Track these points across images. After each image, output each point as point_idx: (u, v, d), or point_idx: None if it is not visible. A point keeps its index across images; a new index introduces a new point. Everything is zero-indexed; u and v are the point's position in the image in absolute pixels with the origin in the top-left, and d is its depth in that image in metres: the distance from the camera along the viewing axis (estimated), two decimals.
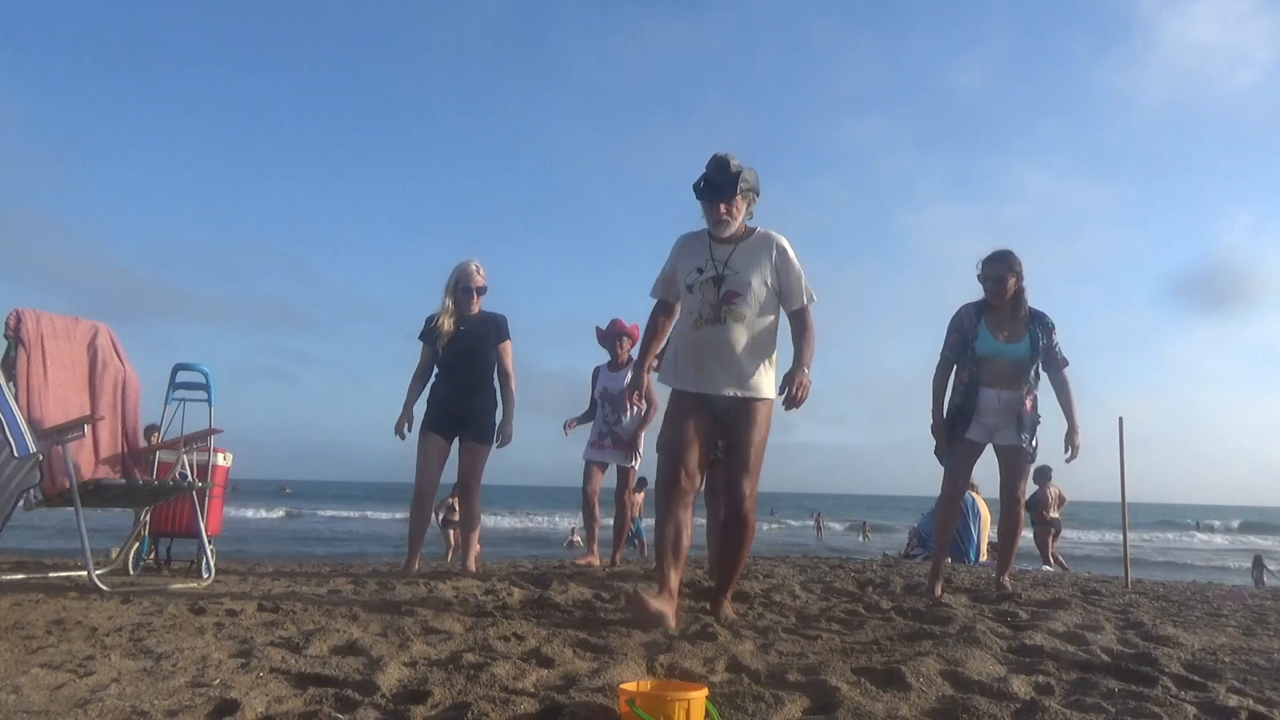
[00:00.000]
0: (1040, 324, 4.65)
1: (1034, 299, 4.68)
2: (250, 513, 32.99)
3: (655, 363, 4.34)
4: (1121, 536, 6.44)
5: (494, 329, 5.29)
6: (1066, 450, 4.67)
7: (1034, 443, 4.64)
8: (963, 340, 4.65)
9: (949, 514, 4.81)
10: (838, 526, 34.37)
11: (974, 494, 9.23)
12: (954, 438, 4.67)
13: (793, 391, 3.46)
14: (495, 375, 5.30)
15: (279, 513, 35.56)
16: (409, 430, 5.22)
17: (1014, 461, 4.66)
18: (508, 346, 5.32)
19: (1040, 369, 4.67)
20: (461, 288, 5.23)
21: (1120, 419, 6.06)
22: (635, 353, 6.06)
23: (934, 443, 4.77)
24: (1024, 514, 4.81)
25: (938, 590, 4.57)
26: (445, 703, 2.10)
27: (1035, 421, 4.65)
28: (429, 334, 5.28)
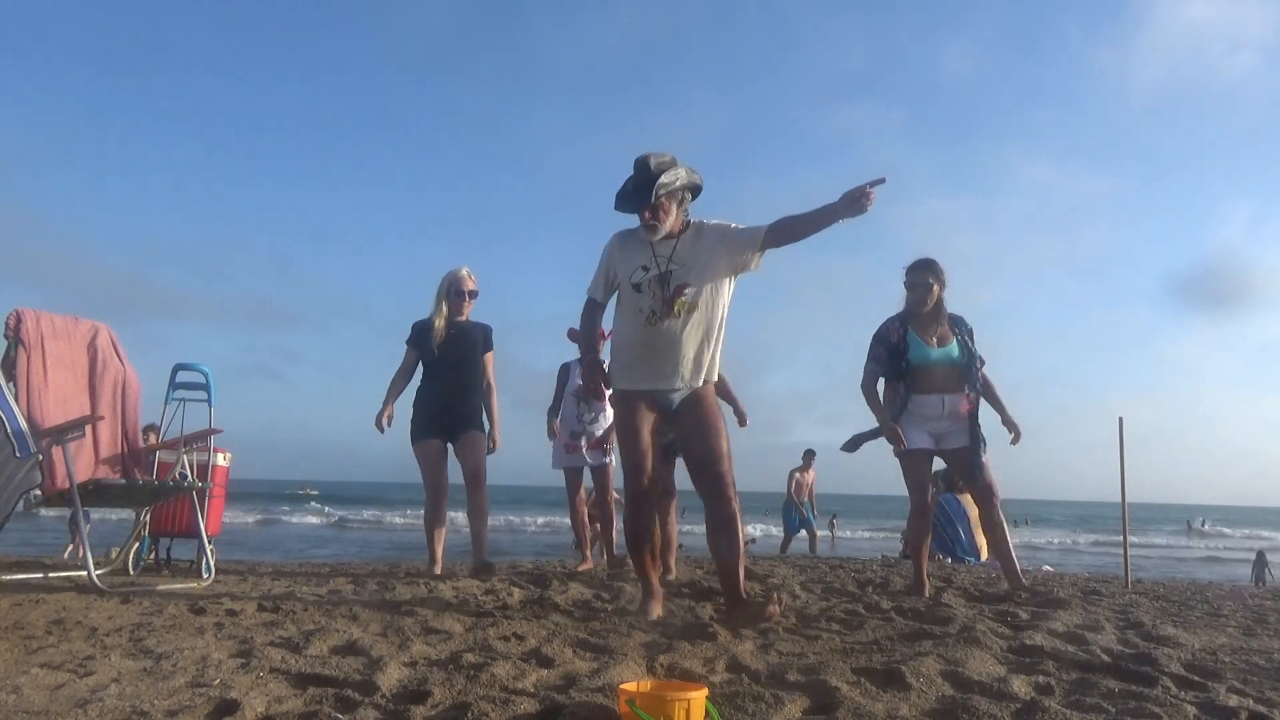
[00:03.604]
0: (961, 326, 4.75)
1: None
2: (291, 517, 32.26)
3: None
4: (1122, 537, 6.44)
5: (481, 336, 5.39)
6: (1010, 433, 4.77)
7: (983, 446, 4.70)
8: (890, 353, 4.69)
9: (920, 527, 4.82)
10: (852, 533, 33.52)
11: (960, 496, 9.18)
12: (904, 448, 4.71)
13: (866, 200, 3.25)
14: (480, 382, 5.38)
15: (312, 519, 34.06)
16: (388, 424, 5.28)
17: (968, 461, 4.71)
18: (490, 358, 5.42)
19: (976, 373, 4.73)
20: (454, 291, 5.30)
21: (1120, 419, 6.05)
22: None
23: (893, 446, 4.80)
24: (1001, 512, 4.82)
25: (926, 591, 4.59)
26: (445, 703, 2.10)
27: (979, 426, 4.73)
28: (417, 338, 5.35)
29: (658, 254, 3.53)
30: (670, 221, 3.52)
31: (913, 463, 4.72)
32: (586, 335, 3.86)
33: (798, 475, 13.48)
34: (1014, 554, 4.87)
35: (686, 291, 3.48)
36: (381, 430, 5.25)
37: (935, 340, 4.66)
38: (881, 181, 3.29)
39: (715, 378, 3.62)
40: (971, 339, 4.75)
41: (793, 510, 13.44)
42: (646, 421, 3.58)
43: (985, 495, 4.80)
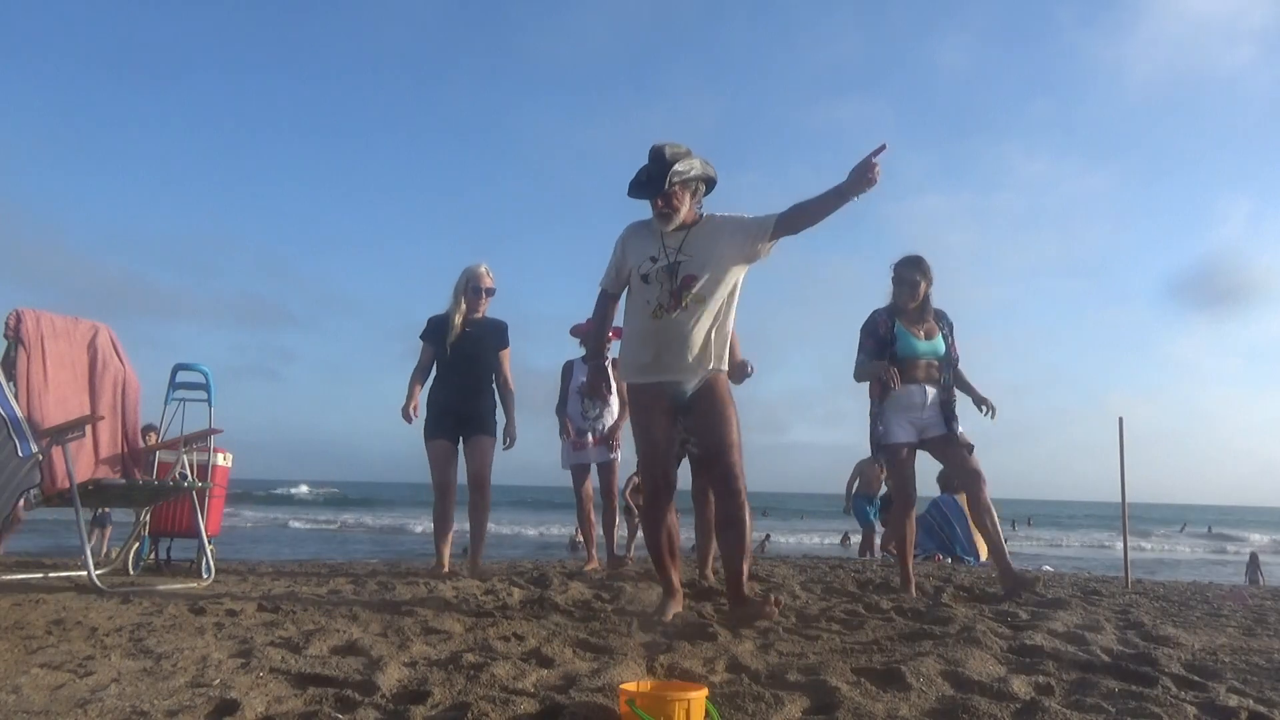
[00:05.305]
0: (943, 321, 4.83)
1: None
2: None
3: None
4: (1122, 537, 6.44)
5: (497, 334, 5.40)
6: (980, 409, 4.76)
7: (957, 422, 4.74)
8: (879, 345, 4.73)
9: (903, 524, 4.84)
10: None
11: (957, 496, 9.15)
12: (883, 443, 4.74)
13: (873, 173, 3.23)
14: (494, 379, 5.39)
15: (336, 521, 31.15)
16: (415, 415, 5.28)
17: (953, 446, 4.72)
18: (507, 354, 5.43)
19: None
20: (472, 288, 5.34)
21: (1120, 419, 6.05)
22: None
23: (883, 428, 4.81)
24: (989, 498, 4.76)
25: (912, 591, 4.60)
26: (445, 703, 2.10)
27: (952, 408, 4.77)
28: (432, 333, 5.36)
29: (667, 245, 3.52)
30: (684, 212, 3.51)
31: (893, 458, 4.76)
32: (597, 330, 3.84)
33: (866, 467, 11.69)
34: (1004, 546, 4.79)
35: (694, 284, 3.46)
36: (409, 420, 5.25)
37: (923, 334, 4.74)
38: (883, 149, 3.25)
39: (725, 366, 3.60)
40: (951, 333, 4.84)
41: (865, 504, 11.86)
42: (660, 416, 3.56)
43: (972, 479, 4.72)
